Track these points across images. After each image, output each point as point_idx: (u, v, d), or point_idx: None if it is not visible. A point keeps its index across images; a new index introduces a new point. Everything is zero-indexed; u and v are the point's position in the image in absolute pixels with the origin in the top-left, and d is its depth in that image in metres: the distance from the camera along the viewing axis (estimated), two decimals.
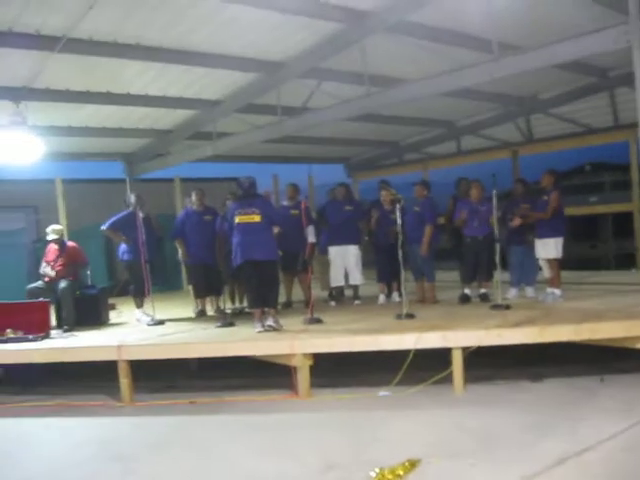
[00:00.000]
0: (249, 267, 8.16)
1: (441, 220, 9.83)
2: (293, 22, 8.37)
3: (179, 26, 8.17)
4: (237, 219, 8.19)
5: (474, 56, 8.60)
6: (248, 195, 8.28)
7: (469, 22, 8.50)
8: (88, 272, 10.28)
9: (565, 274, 9.49)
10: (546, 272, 9.22)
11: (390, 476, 4.72)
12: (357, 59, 8.88)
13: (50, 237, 9.54)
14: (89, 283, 10.19)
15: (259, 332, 8.00)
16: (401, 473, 4.78)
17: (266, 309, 8.17)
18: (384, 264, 9.88)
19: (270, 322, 8.00)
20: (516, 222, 9.10)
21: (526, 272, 9.64)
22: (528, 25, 8.58)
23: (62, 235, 9.76)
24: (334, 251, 10.12)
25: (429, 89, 8.73)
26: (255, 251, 8.06)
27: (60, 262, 9.35)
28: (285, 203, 10.17)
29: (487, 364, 7.46)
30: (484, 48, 8.21)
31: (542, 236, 8.93)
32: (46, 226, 9.87)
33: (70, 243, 9.79)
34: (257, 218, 8.14)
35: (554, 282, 8.99)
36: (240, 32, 8.56)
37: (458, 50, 9.02)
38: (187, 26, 8.19)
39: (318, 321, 8.35)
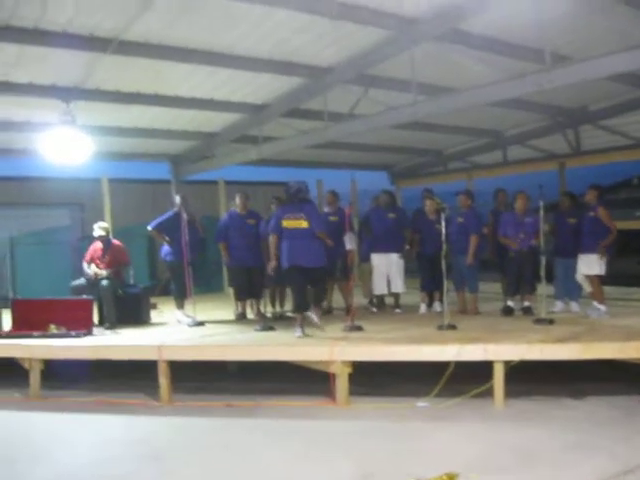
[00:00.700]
0: (295, 272, 8.18)
1: (485, 230, 9.71)
2: (342, 28, 8.34)
3: (230, 31, 8.22)
4: (284, 223, 8.21)
5: (524, 66, 8.47)
6: (297, 200, 8.28)
7: (520, 32, 8.38)
8: (131, 271, 10.37)
9: (611, 290, 9.32)
10: (587, 287, 9.06)
11: None
12: (405, 67, 8.82)
13: (96, 233, 9.66)
14: (131, 282, 10.29)
15: (299, 337, 8.01)
16: None
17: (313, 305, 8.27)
18: (427, 273, 9.81)
19: (313, 316, 8.08)
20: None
21: (571, 286, 9.48)
22: (580, 36, 8.45)
23: (108, 233, 9.87)
24: (377, 259, 10.07)
25: (478, 99, 8.63)
26: (302, 257, 8.09)
27: (105, 260, 9.48)
28: (325, 209, 10.16)
29: (527, 379, 7.34)
30: (535, 58, 8.10)
31: (586, 251, 8.76)
32: (91, 224, 10.02)
33: (115, 241, 9.91)
34: (305, 224, 8.15)
35: (597, 297, 8.83)
36: (288, 37, 8.58)
37: (508, 60, 8.91)
38: (237, 31, 8.24)
39: (358, 329, 8.31)
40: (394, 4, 7.90)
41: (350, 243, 9.74)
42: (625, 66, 7.12)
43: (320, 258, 8.23)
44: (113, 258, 9.56)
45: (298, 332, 8.07)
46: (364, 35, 8.66)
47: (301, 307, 8.22)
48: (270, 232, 8.51)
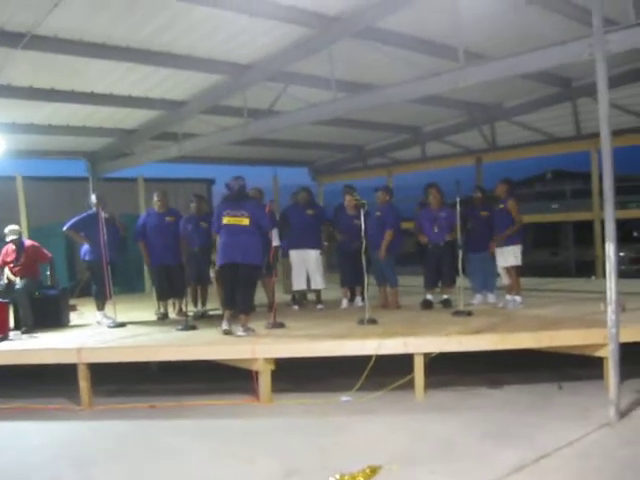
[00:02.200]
0: (228, 269, 8.09)
1: (407, 225, 9.87)
2: (261, 25, 8.33)
3: (147, 27, 8.09)
4: (225, 220, 8.10)
5: (440, 64, 8.67)
6: (239, 197, 8.18)
7: (436, 30, 8.58)
8: (48, 272, 10.07)
9: (526, 281, 9.63)
10: (505, 279, 9.33)
11: None
12: (325, 64, 8.87)
13: (9, 238, 9.35)
14: (48, 283, 10.00)
15: (224, 330, 7.98)
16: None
17: (237, 314, 8.07)
18: (347, 269, 9.90)
19: (240, 332, 7.91)
20: (492, 249, 9.13)
21: (486, 279, 9.75)
22: (494, 35, 8.69)
23: (20, 235, 9.58)
24: (295, 255, 10.12)
25: (396, 96, 8.76)
26: (237, 254, 7.96)
27: (20, 263, 9.19)
28: None
29: (448, 370, 7.52)
30: (450, 56, 8.28)
31: (500, 245, 9.04)
32: (6, 224, 9.68)
33: (28, 242, 9.62)
34: (245, 221, 8.03)
35: (514, 289, 9.11)
36: (208, 34, 8.51)
37: (425, 58, 9.08)
38: (155, 27, 8.11)
39: (281, 325, 8.34)
40: (312, 2, 7.94)
41: (275, 239, 9.75)
42: (537, 64, 7.37)
43: (255, 256, 8.05)
44: (29, 260, 9.28)
45: (224, 325, 8.03)
46: (283, 32, 8.67)
47: (228, 304, 8.15)
48: (213, 232, 8.46)
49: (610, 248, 5.97)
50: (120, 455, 5.75)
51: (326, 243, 10.29)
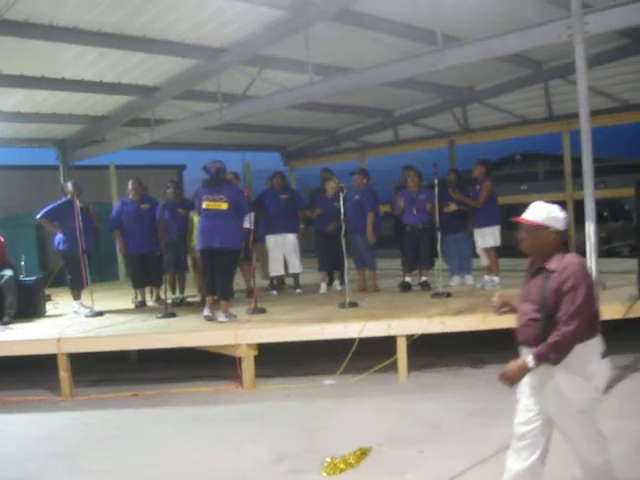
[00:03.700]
0: (207, 254, 8.04)
1: (385, 208, 9.87)
2: (235, 8, 8.20)
3: (119, 10, 7.90)
4: (204, 204, 8.03)
5: (417, 47, 8.66)
6: (216, 180, 8.10)
7: (413, 13, 8.53)
8: (22, 262, 9.91)
9: (501, 261, 9.69)
10: (484, 260, 9.39)
11: (342, 465, 4.76)
12: (300, 47, 8.79)
13: None
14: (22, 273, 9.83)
15: (205, 316, 7.96)
16: (353, 461, 4.83)
17: (218, 300, 8.05)
18: (326, 252, 9.88)
19: (222, 318, 7.87)
20: (451, 207, 9.22)
21: (463, 260, 9.81)
22: (472, 17, 8.65)
23: None
24: (272, 240, 10.08)
25: (374, 79, 8.72)
26: (215, 238, 7.89)
27: None
28: None
29: (429, 352, 7.58)
30: (428, 39, 8.27)
31: (479, 226, 9.10)
32: None
33: None
34: (224, 205, 7.96)
35: (492, 269, 9.18)
36: (181, 17, 8.36)
37: (402, 41, 9.03)
38: (127, 10, 7.94)
39: (262, 311, 8.32)
40: None
41: (250, 223, 9.69)
42: (516, 46, 7.37)
43: (233, 240, 8.00)
44: None
45: (206, 311, 8.01)
46: (257, 15, 8.55)
47: (209, 290, 8.12)
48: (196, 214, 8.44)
49: (590, 228, 6.06)
50: (104, 445, 5.72)
51: (302, 226, 10.27)
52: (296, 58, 9.43)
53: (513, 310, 3.85)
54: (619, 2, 6.19)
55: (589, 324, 3.39)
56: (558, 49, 9.09)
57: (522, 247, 3.69)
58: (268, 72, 10.21)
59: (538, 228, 3.56)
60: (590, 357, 3.43)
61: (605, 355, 3.49)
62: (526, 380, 3.53)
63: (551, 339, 3.33)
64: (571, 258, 3.50)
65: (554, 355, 3.33)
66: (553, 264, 3.50)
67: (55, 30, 8.09)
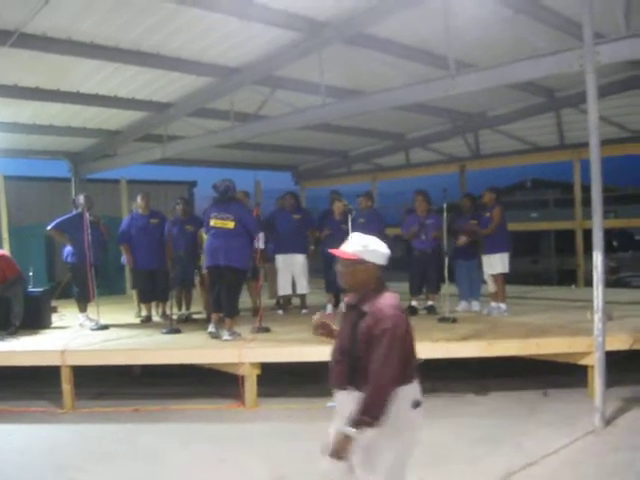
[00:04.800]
0: (214, 272, 8.08)
1: (394, 231, 9.88)
2: (250, 29, 8.28)
3: (136, 28, 8.01)
4: (212, 222, 8.08)
5: (430, 71, 8.71)
6: (224, 199, 8.14)
7: (427, 38, 8.59)
8: (30, 273, 9.95)
9: (509, 289, 9.67)
10: (491, 287, 9.37)
11: None
12: (313, 69, 8.85)
13: None
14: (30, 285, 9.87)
15: (210, 332, 7.99)
16: None
17: (224, 317, 8.04)
18: (332, 274, 9.83)
19: (226, 336, 7.88)
20: (461, 241, 9.24)
21: (473, 286, 9.79)
22: (484, 44, 8.72)
23: None
24: (281, 259, 10.10)
25: (385, 103, 8.75)
26: (221, 257, 7.93)
27: None
28: None
29: (432, 377, 7.51)
30: (440, 64, 8.31)
31: (488, 252, 9.10)
32: None
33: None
34: (230, 224, 8.00)
35: (499, 296, 9.15)
36: (197, 36, 8.45)
37: (415, 65, 9.11)
38: (144, 28, 8.03)
39: (266, 330, 8.31)
40: (302, 6, 7.92)
41: (260, 242, 9.70)
42: (528, 74, 7.38)
43: (240, 259, 8.01)
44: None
45: (211, 327, 8.04)
46: (272, 37, 8.63)
47: (214, 307, 8.14)
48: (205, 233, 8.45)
49: (598, 257, 6.03)
50: (104, 459, 5.70)
51: (312, 247, 10.28)
52: (309, 79, 9.49)
53: (331, 334, 3.62)
54: (631, 33, 6.22)
55: (402, 370, 3.18)
56: (570, 78, 9.10)
57: (340, 282, 3.44)
58: (281, 92, 10.27)
59: (355, 262, 3.33)
60: (402, 406, 3.20)
61: (418, 405, 3.28)
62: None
63: (363, 401, 3.09)
64: (387, 300, 3.30)
65: (369, 419, 3.07)
66: (367, 305, 3.29)
67: (72, 45, 8.18)
